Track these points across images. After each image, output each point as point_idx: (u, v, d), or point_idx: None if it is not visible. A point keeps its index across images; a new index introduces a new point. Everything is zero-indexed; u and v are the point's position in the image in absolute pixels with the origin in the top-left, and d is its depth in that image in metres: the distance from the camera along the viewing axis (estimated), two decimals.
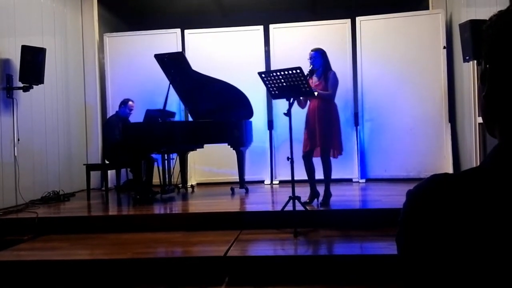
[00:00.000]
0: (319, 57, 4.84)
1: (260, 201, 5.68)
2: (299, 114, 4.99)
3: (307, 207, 4.63)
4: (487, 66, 0.74)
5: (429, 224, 0.68)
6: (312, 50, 4.90)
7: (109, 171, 6.43)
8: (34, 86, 5.60)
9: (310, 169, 4.90)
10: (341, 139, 4.87)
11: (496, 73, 0.72)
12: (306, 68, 4.72)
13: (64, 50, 6.80)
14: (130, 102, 6.50)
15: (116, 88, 7.29)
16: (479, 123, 5.80)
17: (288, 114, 4.36)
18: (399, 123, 6.83)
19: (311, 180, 4.94)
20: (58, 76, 6.58)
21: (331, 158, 4.86)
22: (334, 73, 4.87)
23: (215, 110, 6.20)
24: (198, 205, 5.54)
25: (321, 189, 4.94)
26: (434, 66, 6.75)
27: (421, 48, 6.77)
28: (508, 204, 0.64)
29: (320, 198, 4.93)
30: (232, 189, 6.12)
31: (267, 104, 7.15)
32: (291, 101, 4.41)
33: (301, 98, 4.77)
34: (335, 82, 4.85)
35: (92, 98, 7.37)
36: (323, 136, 4.75)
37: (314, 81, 4.83)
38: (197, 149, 6.58)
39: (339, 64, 6.68)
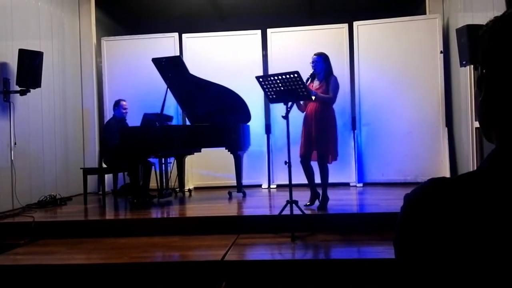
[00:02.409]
0: (321, 61, 4.85)
1: (257, 205, 5.67)
2: (297, 118, 4.99)
3: (307, 210, 4.64)
4: (484, 71, 0.74)
5: (427, 228, 0.68)
6: (315, 54, 4.91)
7: (106, 175, 6.42)
8: (31, 90, 5.59)
9: (309, 173, 4.90)
10: (337, 145, 4.87)
11: (493, 78, 0.72)
12: (306, 72, 4.73)
13: (62, 54, 6.79)
14: (122, 102, 6.49)
15: (114, 92, 7.28)
16: (476, 128, 5.81)
17: (286, 117, 4.36)
18: (396, 127, 6.84)
19: (311, 182, 4.94)
20: (56, 79, 6.57)
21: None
22: (336, 78, 4.89)
23: (213, 114, 6.20)
24: (196, 209, 5.52)
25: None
26: (431, 71, 6.78)
27: (418, 53, 6.80)
28: (505, 207, 0.64)
29: (318, 202, 4.94)
30: (230, 193, 6.12)
31: (265, 108, 7.15)
32: (289, 104, 4.42)
33: (300, 102, 4.78)
34: (336, 86, 4.87)
35: (89, 102, 7.36)
36: (320, 141, 4.76)
37: (315, 84, 4.85)
38: (195, 153, 6.58)
39: (337, 68, 6.64)
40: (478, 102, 0.75)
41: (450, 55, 6.69)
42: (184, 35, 7.34)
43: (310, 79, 4.75)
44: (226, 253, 3.75)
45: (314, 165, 4.90)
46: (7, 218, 4.96)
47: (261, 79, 4.49)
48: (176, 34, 7.34)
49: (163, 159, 6.03)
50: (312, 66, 4.84)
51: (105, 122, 6.88)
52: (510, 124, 0.70)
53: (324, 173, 4.84)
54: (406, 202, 0.74)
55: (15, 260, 3.95)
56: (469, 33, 4.86)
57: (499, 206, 0.65)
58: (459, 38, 5.16)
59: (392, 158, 6.83)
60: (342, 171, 6.79)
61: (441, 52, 6.73)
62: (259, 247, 4.14)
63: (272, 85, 4.43)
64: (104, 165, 6.41)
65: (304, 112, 4.92)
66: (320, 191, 4.93)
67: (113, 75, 7.40)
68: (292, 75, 4.31)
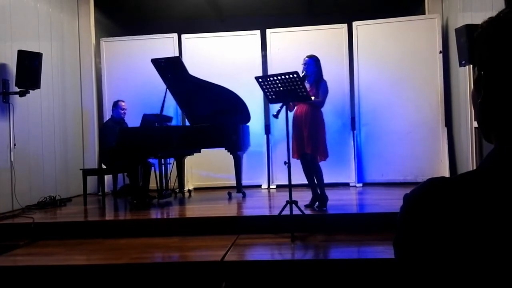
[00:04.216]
0: (313, 64, 4.90)
1: (257, 205, 5.67)
2: None
3: (307, 211, 4.64)
4: (481, 72, 0.74)
5: (427, 228, 0.68)
6: (307, 57, 4.96)
7: (106, 176, 6.41)
8: (31, 91, 5.58)
9: (309, 172, 4.91)
10: (326, 144, 4.90)
11: (491, 80, 0.72)
12: (300, 72, 4.75)
13: (61, 55, 6.79)
14: (120, 102, 6.48)
15: (113, 92, 7.28)
16: (475, 127, 5.82)
17: (276, 116, 4.39)
18: (396, 127, 6.84)
19: (312, 184, 4.96)
20: (55, 80, 6.57)
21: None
22: (326, 82, 4.93)
23: (212, 114, 6.20)
24: (195, 209, 5.52)
25: None
26: (430, 71, 6.78)
27: (418, 53, 6.80)
28: (505, 207, 0.64)
29: (317, 203, 4.94)
30: (229, 194, 6.11)
31: (264, 109, 7.15)
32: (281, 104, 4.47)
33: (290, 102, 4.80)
34: (326, 91, 4.91)
35: (88, 102, 7.36)
36: (311, 142, 4.78)
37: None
38: (194, 154, 6.57)
39: (336, 68, 6.72)
40: (477, 104, 0.75)
41: (449, 55, 6.69)
42: (183, 36, 7.34)
43: None
44: (226, 254, 3.75)
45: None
46: (7, 219, 4.96)
47: (260, 80, 4.49)
48: (175, 35, 7.34)
49: (162, 159, 6.03)
50: (304, 68, 4.86)
51: (103, 123, 6.88)
52: (509, 124, 0.70)
53: (318, 173, 4.86)
54: (406, 202, 0.74)
55: (15, 261, 3.95)
56: (468, 33, 4.86)
57: (499, 206, 0.65)
58: (458, 38, 5.17)
59: (391, 158, 6.83)
60: (342, 171, 6.79)
61: (440, 52, 6.73)
62: (258, 247, 4.14)
63: (272, 86, 4.43)
64: (103, 166, 6.41)
65: (293, 113, 4.93)
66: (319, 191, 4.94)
67: (112, 76, 7.40)
68: (291, 75, 4.32)
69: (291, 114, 4.69)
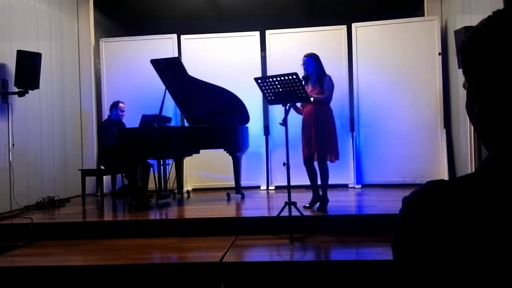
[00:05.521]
0: (312, 62, 4.86)
1: (256, 206, 5.67)
2: (295, 119, 5.00)
3: (305, 212, 4.64)
4: (473, 82, 0.74)
5: (426, 230, 0.68)
6: (304, 56, 4.93)
7: (104, 177, 6.40)
8: (30, 91, 5.58)
9: (312, 174, 4.91)
10: (337, 144, 4.88)
11: (486, 88, 0.71)
12: (301, 73, 4.73)
13: (60, 55, 6.78)
14: (120, 104, 6.48)
15: (112, 93, 7.28)
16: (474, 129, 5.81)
17: (284, 123, 4.37)
18: (395, 129, 6.84)
19: (314, 185, 4.95)
20: (54, 81, 6.56)
21: (328, 162, 4.87)
22: (330, 77, 4.89)
23: (211, 115, 6.20)
24: (194, 210, 5.52)
25: None
26: (429, 72, 6.78)
27: (417, 55, 6.81)
28: (504, 209, 0.64)
29: (318, 204, 4.94)
30: (228, 195, 6.11)
31: (263, 110, 7.16)
32: (287, 108, 4.43)
33: (298, 105, 4.79)
34: (331, 85, 4.87)
35: (87, 103, 7.36)
36: (319, 142, 4.76)
37: (309, 87, 4.84)
38: (193, 155, 6.57)
39: (335, 70, 6.69)
40: (474, 113, 0.74)
41: (448, 56, 6.70)
42: (182, 36, 7.34)
43: (303, 82, 4.72)
44: (225, 255, 3.75)
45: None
46: (5, 220, 4.95)
47: (259, 81, 4.49)
48: (174, 36, 7.34)
49: (161, 160, 6.02)
50: (304, 68, 4.84)
51: (100, 124, 6.87)
52: (507, 130, 0.70)
53: (324, 174, 4.85)
54: (405, 204, 0.74)
55: (13, 262, 3.95)
56: None
57: (498, 208, 0.65)
58: (457, 40, 5.17)
59: (390, 159, 6.83)
60: (341, 172, 6.78)
61: (439, 53, 6.74)
62: (257, 248, 4.13)
63: (271, 87, 4.43)
64: (101, 167, 6.40)
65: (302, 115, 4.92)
66: (321, 193, 4.93)
67: (111, 76, 7.40)
68: (290, 77, 4.31)
69: (291, 116, 4.64)
